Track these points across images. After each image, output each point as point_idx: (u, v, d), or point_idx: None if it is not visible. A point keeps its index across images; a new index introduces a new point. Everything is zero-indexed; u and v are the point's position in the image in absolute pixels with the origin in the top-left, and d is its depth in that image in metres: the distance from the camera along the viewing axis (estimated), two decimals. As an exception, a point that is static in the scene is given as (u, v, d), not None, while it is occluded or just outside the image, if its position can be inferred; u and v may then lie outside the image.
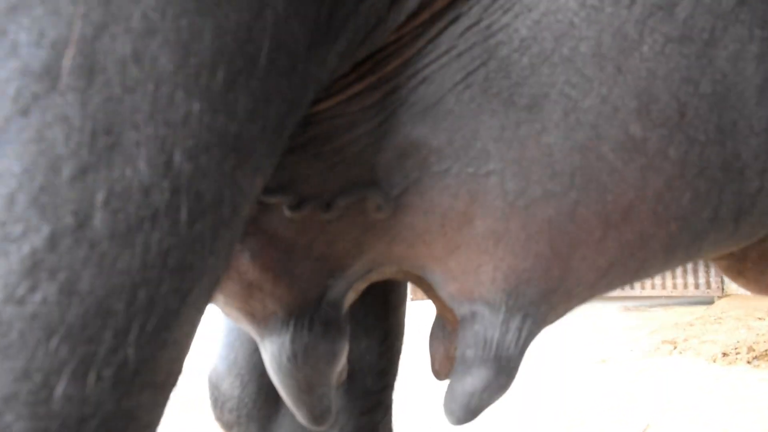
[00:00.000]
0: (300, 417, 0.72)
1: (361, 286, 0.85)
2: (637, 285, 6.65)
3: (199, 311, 0.44)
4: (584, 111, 0.58)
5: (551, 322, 0.70)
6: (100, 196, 0.37)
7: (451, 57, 0.59)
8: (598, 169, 0.59)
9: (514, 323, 0.65)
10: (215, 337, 1.04)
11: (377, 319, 1.08)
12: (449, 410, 0.66)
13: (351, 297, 0.87)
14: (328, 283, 0.69)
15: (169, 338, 0.41)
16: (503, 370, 0.65)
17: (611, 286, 0.67)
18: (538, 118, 0.59)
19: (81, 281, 0.37)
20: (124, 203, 0.38)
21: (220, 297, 0.69)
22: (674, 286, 6.51)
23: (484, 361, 0.65)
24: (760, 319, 4.91)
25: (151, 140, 0.38)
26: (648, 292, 6.63)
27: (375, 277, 0.82)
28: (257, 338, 0.71)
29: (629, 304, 6.70)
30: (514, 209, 0.60)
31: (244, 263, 0.65)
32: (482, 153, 0.59)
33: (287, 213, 0.63)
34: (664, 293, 6.56)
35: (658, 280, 6.58)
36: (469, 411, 0.66)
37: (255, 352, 0.99)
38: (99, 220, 0.37)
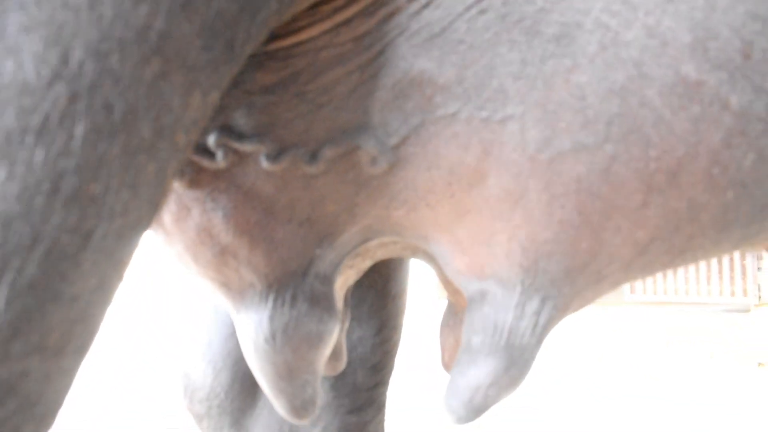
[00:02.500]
0: (278, 407, 0.62)
1: (364, 263, 0.75)
2: (671, 290, 6.44)
3: (114, 262, 0.34)
4: (626, 45, 0.47)
5: (575, 309, 0.59)
6: None
7: None
8: (641, 117, 0.48)
9: (531, 307, 0.54)
10: (188, 318, 0.94)
11: (372, 309, 0.97)
12: (450, 407, 0.56)
13: (350, 275, 0.77)
14: (316, 252, 0.59)
15: (64, 290, 0.31)
16: (515, 363, 0.54)
17: (649, 269, 0.56)
18: (569, 52, 0.48)
19: None
20: (2, 106, 0.28)
21: (192, 265, 0.59)
22: (709, 293, 6.29)
23: (494, 351, 0.54)
24: (800, 329, 4.70)
25: (42, 26, 0.29)
26: (682, 297, 6.42)
27: (377, 251, 0.72)
28: (233, 313, 0.61)
29: (663, 309, 6.50)
30: (535, 165, 0.49)
31: (217, 225, 0.56)
32: (499, 93, 0.49)
33: (265, 164, 0.53)
34: (699, 299, 6.34)
35: (693, 285, 6.36)
36: (472, 408, 0.55)
37: (231, 336, 0.89)
38: None
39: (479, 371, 0.54)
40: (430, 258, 0.76)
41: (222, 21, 0.36)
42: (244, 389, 0.91)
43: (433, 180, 0.53)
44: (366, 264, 0.76)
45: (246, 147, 0.53)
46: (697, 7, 0.48)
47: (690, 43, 0.48)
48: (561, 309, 0.55)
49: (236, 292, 0.59)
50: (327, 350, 0.61)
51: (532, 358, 0.56)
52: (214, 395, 0.89)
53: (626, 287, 6.75)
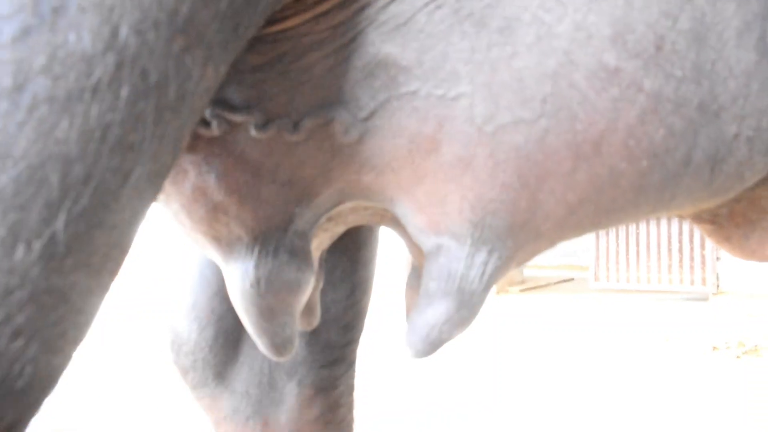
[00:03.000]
0: (261, 345, 0.71)
1: (337, 228, 0.84)
2: (633, 278, 6.65)
3: (143, 199, 0.43)
4: (557, 36, 0.57)
5: (519, 262, 0.69)
6: (40, 60, 0.36)
7: None
8: (570, 96, 0.58)
9: (480, 257, 0.64)
10: (177, 281, 1.03)
11: (345, 273, 1.07)
12: (409, 342, 0.65)
13: (325, 239, 0.86)
14: (296, 210, 0.68)
15: (107, 220, 0.40)
16: (465, 304, 0.64)
17: (581, 226, 0.66)
18: (510, 41, 0.57)
19: (16, 145, 0.36)
20: (65, 70, 0.37)
21: (186, 222, 0.68)
22: (670, 281, 6.50)
23: (447, 294, 0.64)
24: (752, 316, 4.91)
25: (97, 8, 0.37)
26: (644, 286, 6.63)
27: (349, 217, 0.81)
28: (222, 265, 0.70)
29: (625, 297, 6.69)
30: (482, 135, 0.59)
31: (211, 185, 0.64)
32: (452, 75, 0.58)
33: (253, 132, 0.62)
34: (660, 288, 6.56)
35: (654, 274, 6.57)
36: (428, 343, 0.65)
37: (215, 295, 0.98)
38: (38, 85, 0.36)
39: (435, 311, 0.64)
40: (396, 223, 0.85)
41: (231, 9, 0.45)
42: (226, 344, 1.00)
43: (397, 148, 0.62)
44: (339, 229, 0.85)
45: (237, 117, 0.62)
46: (617, 6, 0.58)
47: (611, 35, 0.58)
48: (505, 260, 0.65)
49: (226, 245, 0.68)
50: (303, 296, 0.71)
51: (480, 301, 0.66)
52: (199, 349, 0.98)
53: (590, 276, 6.94)
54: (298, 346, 1.05)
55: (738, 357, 3.73)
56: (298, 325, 0.91)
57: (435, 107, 0.59)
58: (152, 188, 0.43)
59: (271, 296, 0.67)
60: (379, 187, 0.67)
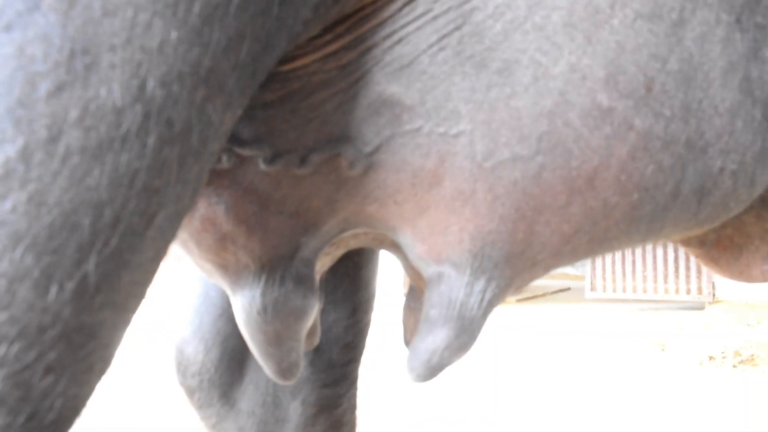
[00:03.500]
0: (267, 370, 0.74)
1: (338, 251, 0.87)
2: (629, 288, 6.68)
3: (165, 239, 0.46)
4: (553, 77, 0.60)
5: (516, 288, 0.72)
6: (74, 113, 0.39)
7: (427, 20, 0.60)
8: (565, 134, 0.61)
9: (479, 286, 0.67)
10: (183, 303, 1.06)
11: (346, 294, 1.10)
12: (411, 367, 0.68)
13: (326, 262, 0.89)
14: (302, 240, 0.70)
15: (133, 260, 0.42)
16: (465, 330, 0.67)
17: (575, 254, 0.69)
18: (509, 82, 0.60)
19: (50, 193, 0.38)
20: (96, 122, 0.39)
21: (195, 250, 0.71)
22: (666, 291, 6.53)
23: (447, 321, 0.67)
24: (749, 325, 4.94)
25: (126, 64, 0.40)
26: (640, 295, 6.66)
27: (351, 241, 0.84)
28: (229, 292, 0.72)
29: (621, 307, 6.72)
30: (481, 171, 0.62)
31: (220, 215, 0.67)
32: (453, 114, 0.61)
33: (262, 166, 0.65)
34: (656, 297, 6.59)
35: (650, 283, 6.60)
36: (429, 368, 0.67)
37: (220, 317, 1.01)
38: (71, 137, 0.39)
39: (436, 337, 0.67)
40: (396, 248, 0.88)
41: (250, 58, 0.48)
42: (232, 364, 1.02)
43: (400, 181, 0.65)
44: (339, 252, 0.88)
45: (247, 151, 0.65)
46: (610, 48, 0.61)
47: (604, 77, 0.61)
48: (503, 288, 0.68)
49: (233, 273, 0.70)
50: (309, 322, 0.73)
51: (479, 328, 0.68)
52: (205, 370, 1.01)
53: (586, 286, 6.97)
54: (302, 367, 1.08)
55: (734, 366, 3.76)
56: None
57: (437, 144, 0.62)
58: (173, 228, 0.46)
59: (277, 323, 0.70)
60: (382, 217, 0.69)
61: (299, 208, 0.68)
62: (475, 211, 0.64)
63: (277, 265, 0.70)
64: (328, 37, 0.62)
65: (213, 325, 1.01)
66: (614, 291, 6.81)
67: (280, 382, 0.74)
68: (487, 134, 0.61)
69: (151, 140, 0.42)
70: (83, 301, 0.41)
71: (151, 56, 0.41)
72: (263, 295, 0.69)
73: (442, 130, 0.62)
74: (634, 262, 6.74)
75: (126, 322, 0.45)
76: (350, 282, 1.11)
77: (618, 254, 6.82)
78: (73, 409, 0.44)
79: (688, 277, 6.48)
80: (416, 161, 0.63)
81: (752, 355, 3.96)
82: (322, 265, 0.88)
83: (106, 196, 0.40)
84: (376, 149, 0.64)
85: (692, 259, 6.42)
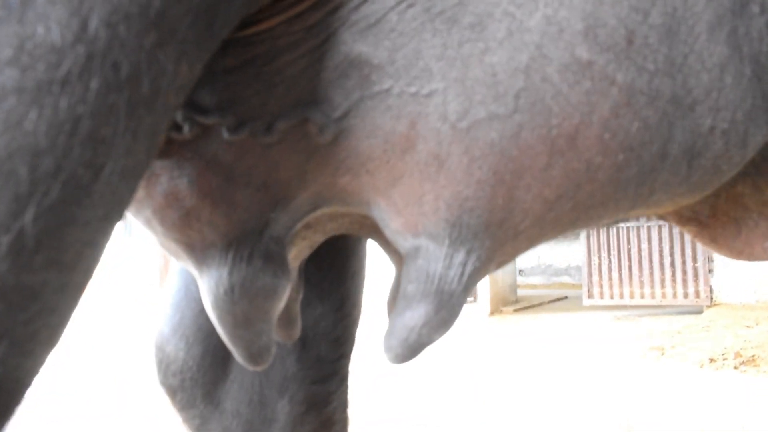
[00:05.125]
0: (237, 354, 0.70)
1: (316, 236, 0.83)
2: (627, 294, 6.64)
3: (117, 197, 0.42)
4: (529, 31, 0.57)
5: (499, 263, 0.68)
6: (8, 51, 0.36)
7: None
8: (543, 90, 0.57)
9: (458, 258, 0.63)
10: (163, 299, 1.01)
11: (333, 285, 1.05)
12: (388, 346, 0.64)
13: (304, 248, 0.85)
14: (271, 215, 0.67)
15: (79, 215, 0.39)
16: (444, 306, 0.63)
17: (560, 223, 0.65)
18: (482, 37, 0.57)
19: None
20: (33, 61, 0.36)
21: (159, 228, 0.67)
22: (663, 296, 6.50)
23: (425, 296, 0.63)
24: (748, 327, 4.90)
25: (66, 0, 0.37)
26: (637, 301, 6.62)
27: (328, 224, 0.80)
28: (195, 273, 0.68)
29: (619, 313, 6.68)
30: (456, 132, 0.58)
31: (182, 189, 0.63)
32: (424, 72, 0.58)
33: (226, 135, 0.61)
34: (654, 302, 6.55)
35: (647, 289, 6.57)
36: (407, 347, 0.63)
37: (202, 313, 0.96)
38: (6, 76, 0.36)
39: (414, 313, 0.63)
40: (375, 232, 0.84)
41: (205, 5, 0.45)
42: (215, 362, 0.98)
43: (372, 148, 0.62)
44: (318, 237, 0.84)
45: (209, 120, 0.61)
46: (588, 1, 0.58)
47: (582, 29, 0.57)
48: (484, 261, 0.64)
49: (199, 251, 0.67)
50: (280, 303, 0.69)
51: (459, 303, 0.64)
52: (187, 368, 0.96)
53: (584, 293, 6.92)
54: (288, 362, 1.03)
55: (736, 368, 3.72)
56: (279, 337, 0.89)
57: (408, 105, 0.59)
58: (126, 186, 0.43)
59: (245, 303, 0.66)
60: (354, 189, 0.66)
61: (267, 180, 0.65)
62: (450, 177, 0.60)
63: (245, 241, 0.66)
64: None
65: (194, 322, 0.97)
66: (611, 298, 6.77)
67: (251, 367, 0.70)
68: (461, 93, 0.58)
69: (95, 84, 0.38)
70: (22, 257, 0.37)
71: None
72: (230, 273, 0.65)
73: (413, 90, 0.58)
74: (630, 267, 6.71)
75: (76, 286, 0.41)
76: (336, 274, 1.07)
77: (614, 260, 6.79)
78: (14, 381, 0.40)
79: (685, 281, 6.45)
80: (387, 125, 0.60)
81: (753, 356, 3.92)
82: (300, 251, 0.84)
83: (45, 143, 0.36)
84: (346, 113, 0.60)
85: (689, 262, 6.41)
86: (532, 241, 0.67)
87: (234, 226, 0.65)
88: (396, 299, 0.91)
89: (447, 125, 0.58)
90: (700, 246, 6.45)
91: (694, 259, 6.42)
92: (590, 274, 6.91)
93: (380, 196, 0.65)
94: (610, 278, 6.79)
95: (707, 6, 0.62)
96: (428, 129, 0.59)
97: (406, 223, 0.65)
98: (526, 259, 11.89)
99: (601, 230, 6.89)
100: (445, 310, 0.63)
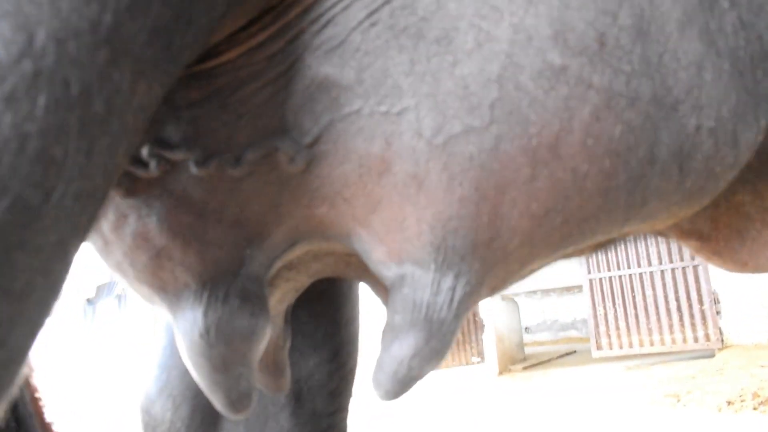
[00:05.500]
0: (216, 402, 0.65)
1: (300, 277, 0.79)
2: (636, 342, 6.51)
3: (72, 222, 0.39)
4: (497, 40, 0.55)
5: (492, 288, 0.65)
6: None
7: None
8: (518, 99, 0.55)
9: (446, 283, 0.59)
10: (149, 358, 0.96)
11: (326, 336, 1.00)
12: (377, 382, 0.60)
13: (289, 291, 0.81)
14: (246, 252, 0.63)
15: (28, 240, 0.36)
16: (435, 335, 0.59)
17: (551, 241, 0.62)
18: (450, 50, 0.55)
19: None
20: None
21: (129, 272, 0.64)
22: (673, 341, 6.37)
23: (413, 325, 0.59)
24: (762, 366, 4.78)
25: (11, 15, 0.35)
26: (647, 349, 6.49)
27: (312, 265, 0.77)
28: (171, 318, 0.65)
29: (630, 363, 6.54)
30: (432, 148, 0.56)
31: (152, 229, 0.60)
32: (394, 89, 0.56)
33: (194, 170, 0.59)
34: (664, 349, 6.42)
35: (656, 336, 6.45)
36: (397, 381, 0.59)
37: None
38: None
39: (401, 344, 0.59)
40: (363, 271, 0.81)
41: (161, 24, 0.43)
42: (205, 422, 0.92)
43: (346, 174, 0.59)
44: (302, 279, 0.80)
45: (176, 155, 0.59)
46: (553, 6, 0.57)
47: (551, 35, 0.56)
48: (474, 285, 0.61)
49: (172, 294, 0.63)
50: (259, 345, 0.65)
51: (451, 332, 0.60)
52: (175, 429, 0.90)
53: (592, 345, 6.79)
54: (282, 418, 0.97)
55: (755, 408, 3.60)
56: (268, 390, 0.84)
57: (381, 125, 0.57)
58: (82, 210, 0.40)
59: (222, 345, 0.62)
60: (333, 220, 0.63)
61: (240, 216, 0.62)
62: (431, 196, 0.57)
63: (220, 281, 0.63)
64: (254, 29, 0.57)
65: (181, 380, 0.91)
66: (620, 347, 6.64)
67: (232, 415, 0.65)
68: (433, 107, 0.56)
69: (43, 101, 0.36)
70: None
71: (40, 8, 0.36)
72: (205, 314, 0.62)
73: (384, 108, 0.56)
74: (636, 315, 6.61)
75: (29, 321, 0.38)
76: (329, 322, 1.02)
77: (620, 309, 6.69)
78: None
79: (693, 325, 6.34)
80: (361, 147, 0.58)
81: (771, 396, 3.81)
82: (284, 294, 0.80)
83: None
84: (317, 139, 0.58)
85: (695, 305, 6.32)
86: (523, 263, 0.63)
87: (207, 265, 0.62)
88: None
89: (422, 142, 0.56)
90: (705, 288, 6.39)
91: (701, 302, 6.33)
92: (597, 325, 6.80)
93: (360, 225, 0.62)
94: (618, 327, 6.68)
95: (674, 4, 0.61)
96: (403, 148, 0.57)
97: (389, 251, 0.62)
98: (531, 316, 11.74)
99: (603, 280, 6.82)
100: (435, 339, 0.59)
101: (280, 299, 0.78)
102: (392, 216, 0.60)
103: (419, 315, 0.59)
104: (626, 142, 0.58)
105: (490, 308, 7.49)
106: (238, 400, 0.64)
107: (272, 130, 0.58)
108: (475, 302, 0.63)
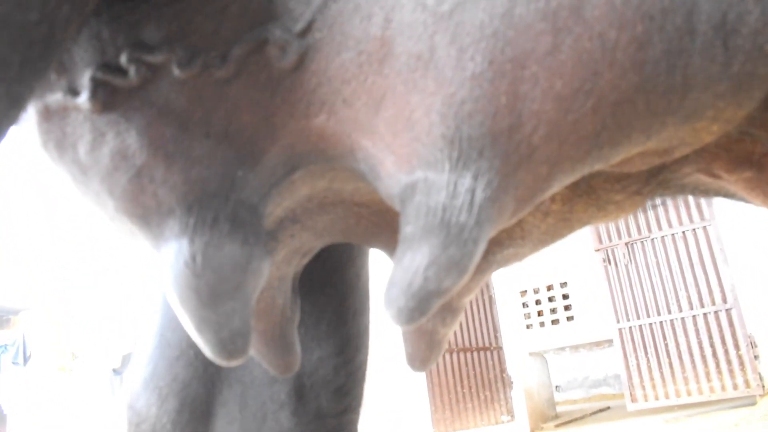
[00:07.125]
0: (204, 345, 0.55)
1: (304, 233, 0.71)
2: (672, 392, 6.21)
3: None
4: None
5: (519, 197, 0.56)
6: None
7: None
8: None
9: (464, 184, 0.51)
10: (135, 353, 0.87)
11: (331, 327, 0.90)
12: (388, 299, 0.50)
13: (294, 252, 0.73)
14: (237, 174, 0.56)
15: None
16: (454, 241, 0.50)
17: (584, 138, 0.54)
18: None
19: None
20: None
21: (108, 201, 0.56)
22: (712, 390, 6.07)
23: (428, 231, 0.51)
24: (810, 407, 4.51)
25: None
26: (685, 399, 6.18)
27: (316, 215, 0.69)
28: (155, 250, 0.57)
29: (668, 416, 6.22)
30: (437, 19, 0.50)
31: (132, 143, 0.54)
32: None
33: (177, 72, 0.53)
34: (703, 398, 6.11)
35: (693, 384, 6.15)
36: (411, 295, 0.49)
37: (178, 360, 0.81)
38: None
39: (415, 254, 0.50)
40: (378, 227, 0.73)
41: None
42: (193, 418, 0.81)
43: (345, 66, 0.53)
44: (309, 237, 0.72)
45: (157, 58, 0.53)
46: None
47: None
48: (496, 188, 0.53)
49: (156, 225, 0.56)
50: (254, 280, 0.56)
51: (473, 240, 0.52)
52: (160, 425, 0.80)
53: (627, 398, 6.49)
54: (282, 417, 0.87)
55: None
56: (275, 369, 0.75)
57: None
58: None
59: (210, 274, 0.53)
60: (333, 132, 0.56)
61: (228, 128, 0.55)
62: (440, 77, 0.50)
63: (208, 205, 0.55)
64: None
65: (168, 371, 0.81)
66: (656, 399, 6.33)
67: (222, 361, 0.55)
68: None
69: None
70: None
71: None
72: (191, 240, 0.54)
73: None
74: (671, 364, 6.33)
75: None
76: (335, 312, 0.93)
77: (653, 359, 6.42)
78: None
79: (731, 371, 6.05)
80: (358, 29, 0.51)
81: (824, 437, 3.56)
82: (291, 254, 0.72)
83: None
84: (309, 25, 0.52)
85: (731, 350, 6.05)
86: (552, 166, 0.55)
87: (193, 185, 0.55)
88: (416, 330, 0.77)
89: (426, 13, 0.50)
90: (740, 332, 6.13)
91: (736, 347, 6.07)
92: (630, 377, 6.52)
93: (363, 134, 0.55)
94: (652, 378, 6.39)
95: None
96: (405, 23, 0.50)
97: (397, 159, 0.54)
98: (561, 374, 11.36)
99: (634, 329, 6.59)
100: (454, 246, 0.50)
101: (285, 259, 0.70)
102: (398, 112, 0.53)
103: (434, 220, 0.51)
104: (661, 3, 0.51)
105: (517, 364, 7.24)
106: (230, 339, 0.54)
107: (260, 19, 0.53)
108: (501, 212, 0.55)
